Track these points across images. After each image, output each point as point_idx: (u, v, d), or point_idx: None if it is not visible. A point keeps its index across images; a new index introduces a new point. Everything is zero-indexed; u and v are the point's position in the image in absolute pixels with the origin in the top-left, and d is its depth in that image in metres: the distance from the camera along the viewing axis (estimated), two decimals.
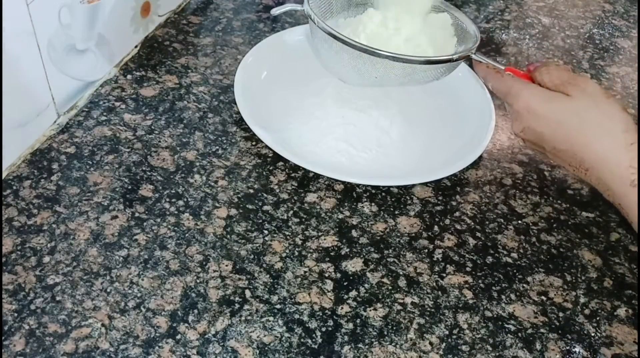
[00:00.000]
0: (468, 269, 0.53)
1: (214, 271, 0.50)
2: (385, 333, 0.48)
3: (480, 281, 0.52)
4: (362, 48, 0.54)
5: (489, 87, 0.56)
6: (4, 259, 0.49)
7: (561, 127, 0.49)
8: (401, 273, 0.52)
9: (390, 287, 0.51)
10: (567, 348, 0.48)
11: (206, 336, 0.46)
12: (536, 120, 0.50)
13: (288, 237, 0.53)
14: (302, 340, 0.46)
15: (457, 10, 0.62)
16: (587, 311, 0.51)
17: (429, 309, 0.50)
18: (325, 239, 0.54)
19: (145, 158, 0.59)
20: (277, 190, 0.57)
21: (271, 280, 0.50)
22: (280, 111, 0.64)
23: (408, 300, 0.50)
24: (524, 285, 0.52)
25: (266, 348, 0.46)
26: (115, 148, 0.59)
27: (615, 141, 0.46)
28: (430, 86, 0.70)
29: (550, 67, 0.52)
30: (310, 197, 0.57)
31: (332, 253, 0.53)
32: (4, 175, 0.55)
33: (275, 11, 0.60)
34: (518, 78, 0.53)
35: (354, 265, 0.52)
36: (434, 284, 0.51)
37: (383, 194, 0.59)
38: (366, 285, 0.51)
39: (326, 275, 0.51)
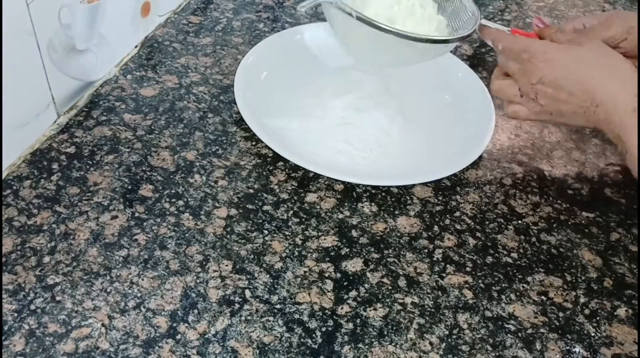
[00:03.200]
0: (468, 269, 0.53)
1: (214, 271, 0.50)
2: (385, 333, 0.48)
3: (480, 281, 0.52)
4: (370, 22, 0.54)
5: (498, 48, 0.58)
6: (4, 259, 0.49)
7: (577, 71, 0.54)
8: (401, 273, 0.52)
9: (390, 287, 0.51)
10: (567, 348, 0.48)
11: (206, 336, 0.46)
12: (553, 67, 0.54)
13: (288, 237, 0.53)
14: (302, 340, 0.46)
15: None
16: (587, 312, 0.51)
17: (429, 309, 0.50)
18: (325, 239, 0.54)
19: (145, 158, 0.59)
20: (277, 190, 0.57)
21: (271, 280, 0.50)
22: (280, 111, 0.64)
23: (408, 300, 0.50)
24: (524, 285, 0.52)
25: (266, 348, 0.46)
26: (115, 148, 0.59)
27: (623, 78, 0.53)
28: (430, 86, 0.70)
29: (559, 28, 0.58)
30: (310, 197, 0.57)
31: (332, 253, 0.53)
32: (4, 175, 0.55)
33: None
34: (529, 38, 0.58)
35: (354, 265, 0.52)
36: (434, 284, 0.51)
37: (383, 194, 0.59)
38: (366, 285, 0.51)
39: (326, 275, 0.51)
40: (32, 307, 0.46)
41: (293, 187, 0.58)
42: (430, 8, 0.60)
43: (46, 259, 0.49)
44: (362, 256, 0.53)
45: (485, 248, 0.55)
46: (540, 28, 0.59)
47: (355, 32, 0.57)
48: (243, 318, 0.47)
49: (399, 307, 0.49)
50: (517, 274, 0.53)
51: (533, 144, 0.66)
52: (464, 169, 0.60)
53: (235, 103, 0.63)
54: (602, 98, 0.53)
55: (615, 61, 0.54)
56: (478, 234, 0.56)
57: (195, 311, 0.47)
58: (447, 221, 0.57)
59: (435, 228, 0.56)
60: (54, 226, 0.52)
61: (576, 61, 0.54)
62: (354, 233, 0.55)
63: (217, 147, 0.61)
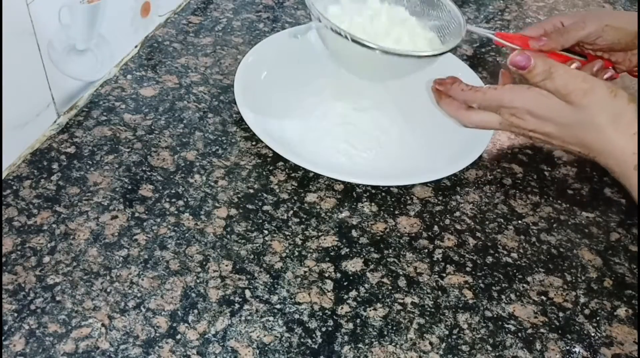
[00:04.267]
0: (468, 269, 0.53)
1: (214, 271, 0.50)
2: (385, 333, 0.48)
3: (480, 281, 0.52)
4: (355, 39, 0.54)
5: (474, 106, 0.55)
6: (4, 259, 0.49)
7: (570, 129, 0.50)
8: (401, 273, 0.52)
9: (390, 287, 0.51)
10: (567, 348, 0.48)
11: (206, 336, 0.46)
12: (544, 123, 0.51)
13: (288, 237, 0.53)
14: (302, 340, 0.46)
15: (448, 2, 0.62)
16: (587, 311, 0.51)
17: (429, 309, 0.50)
18: (325, 239, 0.54)
19: (145, 158, 0.59)
20: (277, 190, 0.57)
21: (271, 280, 0.50)
22: (280, 111, 0.64)
23: (408, 300, 0.50)
24: (524, 285, 0.52)
25: (266, 348, 0.46)
26: (115, 148, 0.59)
27: (620, 133, 0.49)
28: (430, 86, 0.70)
29: (557, 73, 0.49)
30: (310, 197, 0.57)
31: (332, 253, 0.53)
32: (4, 175, 0.55)
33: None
34: (512, 86, 0.52)
35: (354, 265, 0.52)
36: (434, 284, 0.51)
37: (383, 194, 0.59)
38: (366, 285, 0.51)
39: (326, 275, 0.51)
40: (32, 307, 0.46)
41: (293, 187, 0.58)
42: (415, 21, 0.62)
43: (46, 259, 0.49)
44: (362, 256, 0.53)
45: (485, 248, 0.55)
46: (522, 72, 0.50)
47: (350, 54, 0.58)
48: (243, 318, 0.47)
49: (399, 307, 0.49)
50: (517, 274, 0.53)
51: (533, 144, 0.66)
52: (464, 169, 0.60)
53: (235, 103, 0.63)
54: (598, 151, 0.50)
55: (615, 114, 0.48)
56: (478, 234, 0.56)
57: (195, 311, 0.47)
58: (447, 221, 0.57)
59: (435, 228, 0.56)
60: (54, 226, 0.52)
61: (569, 121, 0.50)
62: (354, 233, 0.55)
63: (217, 147, 0.61)
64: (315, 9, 0.56)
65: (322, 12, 0.56)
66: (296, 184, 0.58)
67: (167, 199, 0.55)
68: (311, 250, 0.53)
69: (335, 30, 0.54)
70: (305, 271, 0.51)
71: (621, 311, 0.51)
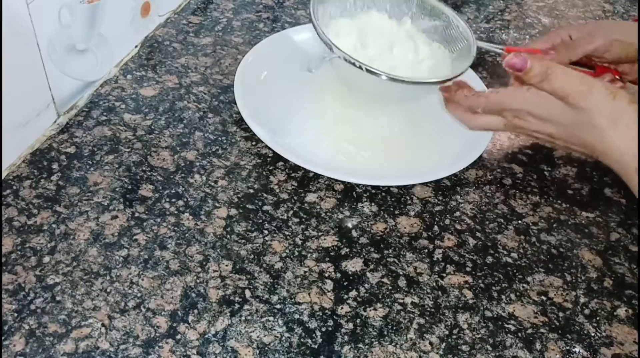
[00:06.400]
0: (468, 269, 0.53)
1: (214, 271, 0.50)
2: (385, 333, 0.48)
3: (480, 281, 0.52)
4: (366, 68, 0.54)
5: (478, 111, 0.55)
6: (4, 259, 0.49)
7: (572, 129, 0.50)
8: (401, 273, 0.52)
9: (390, 287, 0.51)
10: (567, 348, 0.48)
11: (206, 336, 0.46)
12: (544, 123, 0.51)
13: (288, 237, 0.53)
14: (302, 340, 0.46)
15: (456, 17, 0.62)
16: (587, 311, 0.51)
17: (429, 309, 0.50)
18: (325, 239, 0.54)
19: (145, 158, 0.59)
20: (277, 190, 0.57)
21: (271, 280, 0.50)
22: (280, 111, 0.64)
23: (408, 300, 0.50)
24: (524, 285, 0.52)
25: (266, 348, 0.46)
26: (115, 148, 0.59)
27: (620, 135, 0.48)
28: (430, 85, 0.70)
29: (554, 75, 0.49)
30: (310, 197, 0.57)
31: (332, 253, 0.53)
32: (4, 175, 0.55)
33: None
34: (513, 89, 0.53)
35: (354, 265, 0.52)
36: (434, 284, 0.51)
37: (383, 194, 0.59)
38: (366, 285, 0.51)
39: (326, 275, 0.51)
40: (32, 307, 0.46)
41: (293, 187, 0.58)
42: (428, 43, 0.63)
43: (46, 259, 0.49)
44: (362, 256, 0.53)
45: (485, 248, 0.55)
46: (519, 74, 0.50)
47: (364, 81, 0.57)
48: (243, 318, 0.47)
49: (399, 307, 0.49)
50: (517, 274, 0.53)
51: (533, 144, 0.66)
52: (464, 169, 0.60)
53: (235, 103, 0.63)
54: (600, 151, 0.49)
55: (615, 117, 0.48)
56: (478, 234, 0.56)
57: (195, 311, 0.47)
58: (447, 221, 0.57)
59: (435, 228, 0.56)
60: (54, 226, 0.52)
61: (569, 122, 0.49)
62: (354, 233, 0.55)
63: (217, 147, 0.61)
64: (327, 38, 0.55)
65: (333, 41, 0.55)
66: (296, 184, 0.58)
67: (167, 199, 0.55)
68: (311, 250, 0.53)
69: (349, 61, 0.54)
70: (305, 271, 0.51)
71: (621, 311, 0.51)
